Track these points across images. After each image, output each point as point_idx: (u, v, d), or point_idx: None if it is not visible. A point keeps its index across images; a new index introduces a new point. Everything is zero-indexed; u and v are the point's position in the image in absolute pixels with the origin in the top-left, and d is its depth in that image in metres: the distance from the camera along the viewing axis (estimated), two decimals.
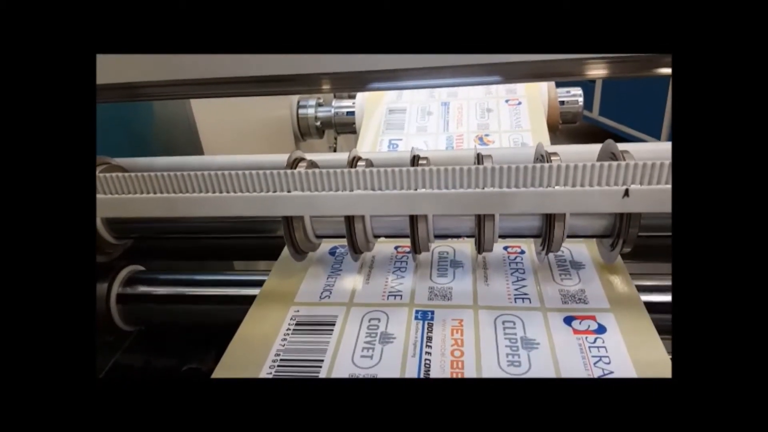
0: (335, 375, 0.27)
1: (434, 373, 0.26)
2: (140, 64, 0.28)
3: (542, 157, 0.31)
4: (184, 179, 0.28)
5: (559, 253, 0.35)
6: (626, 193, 0.26)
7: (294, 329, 0.30)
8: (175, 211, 0.29)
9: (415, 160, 0.33)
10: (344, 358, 0.28)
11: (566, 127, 0.64)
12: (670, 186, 0.25)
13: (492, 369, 0.26)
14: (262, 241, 0.43)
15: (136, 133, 0.54)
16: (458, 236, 0.33)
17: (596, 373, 0.26)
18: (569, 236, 0.31)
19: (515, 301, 0.31)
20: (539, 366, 0.26)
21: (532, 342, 0.28)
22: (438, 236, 0.32)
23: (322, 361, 0.28)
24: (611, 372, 0.26)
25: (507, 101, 0.59)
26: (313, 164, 0.34)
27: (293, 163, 0.32)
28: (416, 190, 0.27)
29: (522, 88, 0.61)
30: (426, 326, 0.30)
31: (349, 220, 0.31)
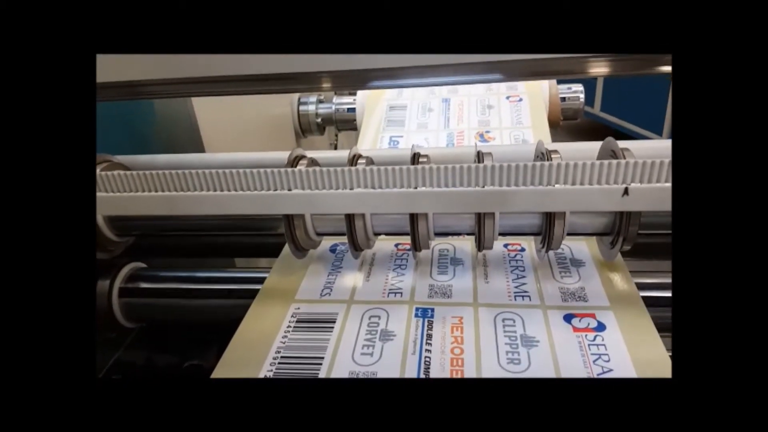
0: (335, 372, 0.27)
1: (434, 371, 0.27)
2: (142, 63, 0.28)
3: (542, 155, 0.31)
4: (185, 177, 0.28)
5: (559, 250, 0.36)
6: (626, 191, 0.26)
7: (295, 326, 0.31)
8: (176, 209, 0.29)
9: (415, 157, 0.33)
10: (344, 355, 0.28)
11: (567, 123, 0.64)
12: (670, 184, 0.25)
13: (492, 366, 0.27)
14: (262, 238, 0.43)
15: (138, 131, 0.54)
16: (458, 234, 0.33)
17: (595, 371, 0.26)
18: (569, 234, 0.31)
19: (515, 299, 0.31)
20: (539, 364, 0.26)
21: (532, 340, 0.28)
22: (438, 234, 0.33)
23: (323, 358, 0.28)
24: (610, 370, 0.26)
25: (508, 98, 0.59)
26: (313, 162, 0.34)
27: (294, 161, 0.32)
28: (416, 188, 0.27)
29: (523, 85, 0.60)
30: (426, 324, 0.30)
31: (350, 217, 0.31)
